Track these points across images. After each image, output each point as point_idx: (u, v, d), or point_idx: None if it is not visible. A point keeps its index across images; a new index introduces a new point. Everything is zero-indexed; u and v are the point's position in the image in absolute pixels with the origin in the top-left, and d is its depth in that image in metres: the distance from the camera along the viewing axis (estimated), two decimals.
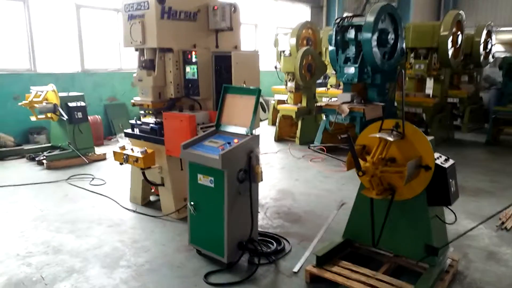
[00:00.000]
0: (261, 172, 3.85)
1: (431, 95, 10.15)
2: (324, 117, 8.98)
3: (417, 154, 3.35)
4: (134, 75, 5.17)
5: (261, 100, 13.66)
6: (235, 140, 3.84)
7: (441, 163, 3.42)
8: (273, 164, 7.89)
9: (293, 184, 6.63)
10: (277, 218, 5.18)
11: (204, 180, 3.87)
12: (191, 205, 3.99)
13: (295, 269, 3.89)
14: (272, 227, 4.91)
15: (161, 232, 4.73)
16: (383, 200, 3.48)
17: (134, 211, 5.34)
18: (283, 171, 7.45)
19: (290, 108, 9.80)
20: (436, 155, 3.49)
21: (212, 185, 3.81)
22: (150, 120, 5.28)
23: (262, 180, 3.90)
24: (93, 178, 6.78)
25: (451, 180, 3.42)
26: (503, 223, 4.99)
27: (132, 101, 5.31)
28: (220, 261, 3.89)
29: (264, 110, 13.60)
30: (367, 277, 3.52)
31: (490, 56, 11.98)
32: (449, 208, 3.54)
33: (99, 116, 9.88)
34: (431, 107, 9.53)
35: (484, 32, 11.28)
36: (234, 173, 3.74)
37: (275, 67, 10.94)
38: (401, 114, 3.36)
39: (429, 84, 10.53)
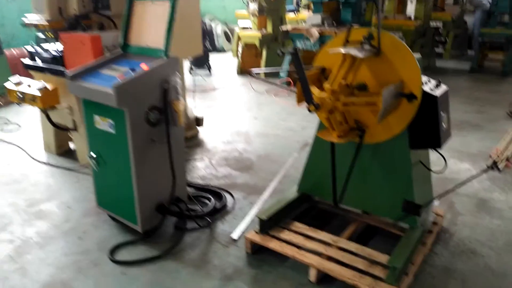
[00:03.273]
0: (184, 110, 2.76)
1: (412, 18, 8.96)
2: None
3: (398, 78, 2.32)
4: None
5: (225, 28, 12.22)
6: (143, 66, 2.70)
7: (431, 89, 2.40)
8: (230, 101, 6.79)
9: (251, 123, 5.59)
10: (224, 166, 4.20)
11: (103, 123, 2.77)
12: (91, 158, 2.93)
13: (235, 236, 2.97)
14: (216, 177, 3.94)
15: (71, 189, 3.70)
16: (350, 144, 2.50)
17: (44, 163, 4.25)
18: (241, 108, 6.37)
19: (252, 35, 8.47)
20: (424, 78, 2.47)
21: (113, 131, 2.72)
22: (53, 46, 4.01)
23: (186, 122, 2.83)
24: (6, 123, 5.56)
25: (442, 114, 2.43)
26: (495, 162, 4.16)
27: (25, 21, 3.98)
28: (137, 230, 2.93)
29: (228, 40, 12.17)
30: (325, 245, 2.63)
31: None
32: (437, 151, 2.59)
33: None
34: (413, 31, 8.40)
35: None
36: (141, 113, 2.65)
37: None
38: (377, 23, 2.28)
39: (411, 7, 9.31)
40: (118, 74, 2.70)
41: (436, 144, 2.44)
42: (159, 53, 2.78)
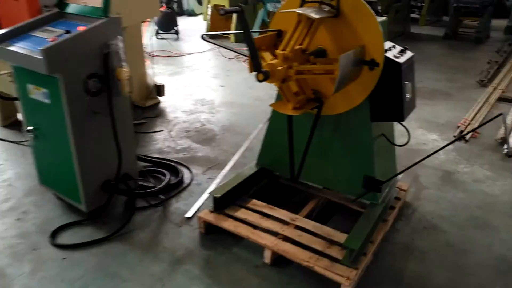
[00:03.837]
0: (128, 78, 2.48)
1: None
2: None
3: (359, 43, 2.11)
4: None
5: None
6: (80, 27, 2.39)
7: (394, 56, 2.20)
8: (196, 67, 6.45)
9: (217, 91, 5.32)
10: (184, 138, 3.96)
11: (37, 93, 2.47)
12: (28, 131, 2.64)
13: (189, 214, 2.79)
14: (174, 151, 3.71)
15: (15, 165, 3.41)
16: (309, 115, 2.31)
17: None
18: (208, 75, 6.06)
19: None
20: (388, 44, 2.27)
21: (48, 101, 2.43)
22: None
23: (131, 92, 2.56)
24: None
25: (407, 83, 2.25)
26: (461, 132, 4.07)
27: None
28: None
29: (199, 2, 11.57)
30: (283, 224, 2.48)
31: None
32: (401, 124, 2.43)
33: None
34: None
35: None
36: (79, 81, 2.36)
37: None
38: None
39: None
40: (51, 36, 2.38)
41: (399, 116, 2.27)
42: (98, 13, 2.47)
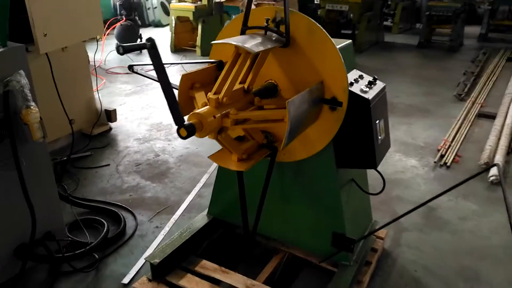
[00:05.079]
0: (38, 121, 1.99)
1: None
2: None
3: (316, 78, 1.69)
4: None
5: None
6: None
7: (361, 90, 1.79)
8: (157, 85, 5.93)
9: None
10: (132, 174, 3.47)
11: None
12: None
13: (125, 280, 2.30)
14: (119, 190, 3.21)
15: None
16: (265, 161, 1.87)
17: None
18: None
19: (185, 7, 7.55)
20: (353, 75, 1.86)
21: None
22: None
23: (44, 137, 2.07)
24: None
25: (377, 122, 1.84)
26: (442, 156, 3.71)
27: None
28: None
29: (166, 13, 11.08)
30: None
31: None
32: (376, 171, 2.01)
33: None
34: (359, 4, 7.85)
35: None
36: None
37: None
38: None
39: None
40: None
41: (370, 163, 1.86)
42: None
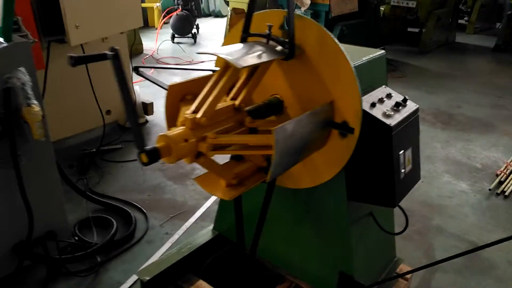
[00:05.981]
0: (40, 119, 1.92)
1: None
2: None
3: (326, 97, 1.41)
4: None
5: None
6: None
7: (384, 114, 1.48)
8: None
9: None
10: (156, 171, 3.37)
11: None
12: None
13: None
14: (138, 189, 3.12)
15: None
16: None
17: None
18: None
19: None
20: (380, 92, 1.55)
21: None
22: None
23: (45, 137, 1.99)
24: None
25: (401, 153, 1.52)
26: (500, 183, 3.21)
27: None
28: None
29: (227, 3, 11.00)
30: None
31: None
32: (399, 207, 1.69)
33: None
34: (429, 0, 7.17)
35: None
36: None
37: None
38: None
39: None
40: None
41: (388, 200, 1.55)
42: None
